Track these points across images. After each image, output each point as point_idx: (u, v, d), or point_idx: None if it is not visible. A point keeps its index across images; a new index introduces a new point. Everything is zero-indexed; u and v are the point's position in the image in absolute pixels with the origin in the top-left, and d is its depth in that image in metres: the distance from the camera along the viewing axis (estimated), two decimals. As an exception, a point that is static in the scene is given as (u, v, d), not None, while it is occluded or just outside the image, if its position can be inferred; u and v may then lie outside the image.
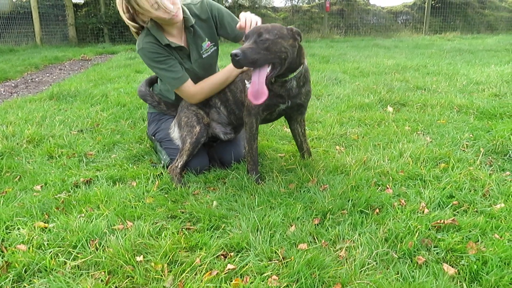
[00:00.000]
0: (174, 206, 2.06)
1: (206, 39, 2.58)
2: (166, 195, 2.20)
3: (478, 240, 1.71)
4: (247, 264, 1.59)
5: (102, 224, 1.85)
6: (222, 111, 2.55)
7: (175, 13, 2.34)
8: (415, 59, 7.06)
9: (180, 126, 2.53)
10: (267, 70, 2.02)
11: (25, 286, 1.52)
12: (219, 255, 1.66)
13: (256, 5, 14.56)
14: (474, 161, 2.47)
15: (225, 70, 2.47)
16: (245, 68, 2.32)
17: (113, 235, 1.78)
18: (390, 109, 3.76)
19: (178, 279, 1.52)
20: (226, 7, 12.57)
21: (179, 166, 2.40)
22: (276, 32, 2.03)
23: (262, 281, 1.49)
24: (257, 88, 2.00)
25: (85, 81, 5.60)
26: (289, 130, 2.62)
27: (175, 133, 2.58)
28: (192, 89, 2.49)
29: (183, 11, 2.44)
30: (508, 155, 2.54)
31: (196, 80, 2.53)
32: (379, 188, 2.19)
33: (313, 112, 3.73)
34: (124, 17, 2.43)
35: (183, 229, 1.86)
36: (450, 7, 14.61)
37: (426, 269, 1.55)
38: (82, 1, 13.13)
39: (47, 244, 1.73)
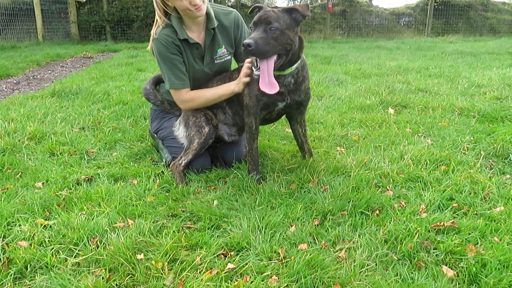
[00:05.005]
0: (175, 205, 2.07)
1: (223, 46, 2.57)
2: (167, 194, 2.21)
3: (478, 242, 1.71)
4: (247, 264, 1.60)
5: (103, 221, 1.86)
6: (228, 111, 2.55)
7: (199, 6, 2.30)
8: (417, 61, 7.06)
9: (188, 125, 2.52)
10: (274, 60, 2.01)
11: (26, 283, 1.53)
12: (219, 254, 1.67)
13: (258, 5, 14.53)
14: (475, 164, 2.48)
15: (222, 88, 2.42)
16: (238, 88, 2.31)
17: (114, 233, 1.79)
18: (391, 111, 3.77)
19: (178, 277, 1.53)
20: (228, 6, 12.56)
21: (182, 164, 2.40)
22: (283, 22, 2.01)
23: (262, 281, 1.50)
24: (267, 80, 2.00)
25: (87, 79, 5.60)
26: (290, 130, 2.62)
27: (179, 131, 2.57)
28: (185, 96, 2.50)
29: (208, 11, 2.44)
30: (508, 159, 2.55)
31: (206, 79, 2.53)
32: (380, 189, 2.19)
33: (314, 112, 3.74)
34: None
35: (183, 228, 1.87)
36: (452, 9, 14.61)
37: (425, 271, 1.55)
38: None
39: (48, 241, 1.74)
